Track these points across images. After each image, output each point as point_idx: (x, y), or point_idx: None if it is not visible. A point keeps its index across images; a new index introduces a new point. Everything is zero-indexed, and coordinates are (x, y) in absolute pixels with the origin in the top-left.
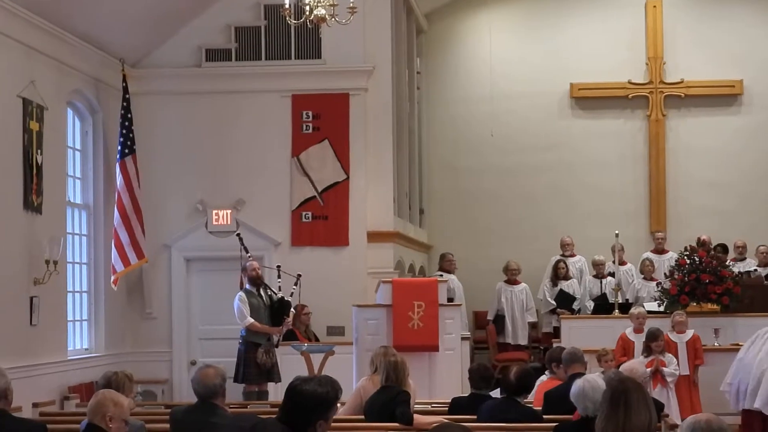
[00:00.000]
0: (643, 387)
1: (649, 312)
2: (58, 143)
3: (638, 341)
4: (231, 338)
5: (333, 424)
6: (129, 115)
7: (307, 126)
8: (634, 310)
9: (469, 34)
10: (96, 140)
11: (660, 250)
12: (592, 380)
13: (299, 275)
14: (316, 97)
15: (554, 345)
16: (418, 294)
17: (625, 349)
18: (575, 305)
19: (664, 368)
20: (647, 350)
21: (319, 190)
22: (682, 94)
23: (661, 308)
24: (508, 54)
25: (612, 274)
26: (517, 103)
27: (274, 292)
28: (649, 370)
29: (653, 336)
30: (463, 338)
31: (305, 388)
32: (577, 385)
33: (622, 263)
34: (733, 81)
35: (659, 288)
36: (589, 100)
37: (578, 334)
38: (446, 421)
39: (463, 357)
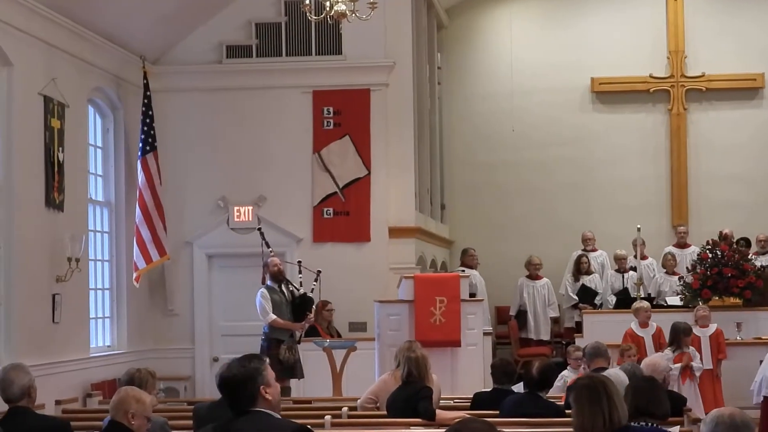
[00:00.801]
0: (611, 379)
1: (671, 306)
2: (80, 141)
3: (646, 336)
4: (253, 335)
5: (356, 420)
6: (150, 112)
7: (328, 122)
8: (637, 305)
9: (490, 30)
10: (117, 137)
11: (682, 245)
12: (615, 374)
13: (319, 271)
14: (337, 93)
15: (576, 340)
16: (440, 289)
17: (636, 345)
18: (597, 300)
19: (693, 363)
20: (677, 344)
21: (341, 186)
22: (704, 88)
23: (683, 302)
24: (528, 49)
25: (634, 269)
26: (538, 98)
27: (296, 288)
28: (678, 365)
29: (687, 331)
30: (485, 333)
31: (230, 373)
32: None
33: (643, 257)
34: (755, 74)
35: (681, 282)
36: (610, 94)
37: (600, 328)
38: (469, 416)
39: (486, 352)
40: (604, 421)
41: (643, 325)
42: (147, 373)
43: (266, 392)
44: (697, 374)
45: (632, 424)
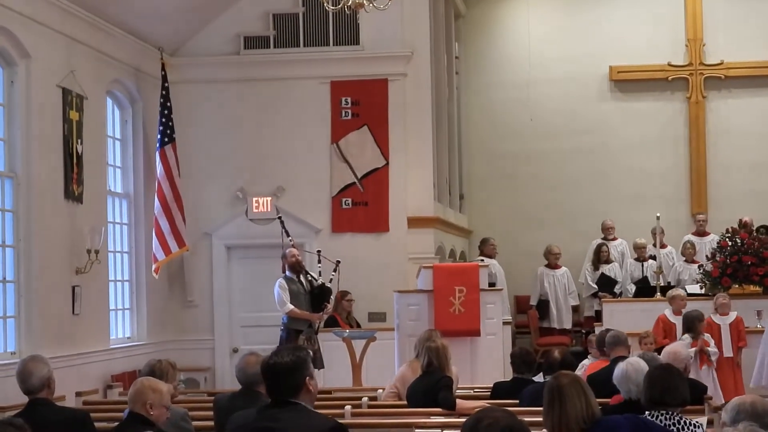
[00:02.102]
0: (579, 379)
1: (691, 294)
2: (98, 133)
3: (679, 323)
4: (273, 325)
5: (376, 410)
6: (168, 104)
7: (346, 112)
8: (674, 292)
9: (508, 18)
10: (136, 129)
11: (701, 233)
12: (635, 363)
13: (338, 262)
14: (355, 84)
15: (596, 329)
16: (460, 279)
17: (666, 331)
18: (617, 289)
19: (708, 348)
20: (694, 332)
21: (359, 176)
22: (722, 76)
23: (703, 290)
24: (546, 37)
25: (653, 257)
26: (556, 87)
27: (315, 278)
28: (694, 350)
29: (701, 317)
30: (504, 323)
31: (279, 360)
32: (620, 368)
33: (662, 246)
34: None
35: (701, 270)
36: (628, 82)
37: (620, 317)
38: (489, 405)
39: (505, 342)
40: (553, 425)
41: (677, 312)
42: (168, 364)
43: (310, 384)
44: (713, 358)
45: (648, 413)
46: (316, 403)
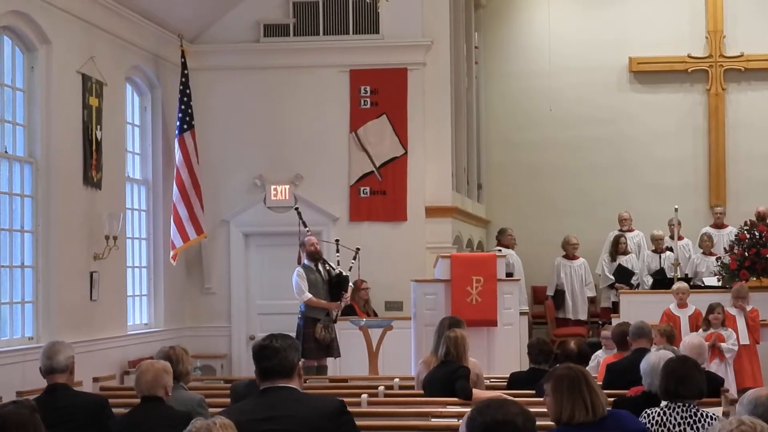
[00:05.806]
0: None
1: (709, 287)
2: (118, 119)
3: (683, 316)
4: (290, 313)
5: (393, 399)
6: (188, 91)
7: (365, 101)
8: (675, 286)
9: (528, 8)
10: (155, 116)
11: (719, 225)
12: (664, 355)
13: (358, 249)
14: (374, 72)
15: (613, 320)
16: (477, 269)
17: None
18: (634, 280)
19: (722, 344)
20: (706, 324)
21: (377, 165)
22: (742, 68)
23: (720, 283)
24: (566, 28)
25: (670, 249)
26: (576, 77)
27: (333, 267)
28: (707, 343)
29: (710, 309)
30: (521, 313)
31: (273, 343)
32: (649, 360)
33: (679, 238)
34: None
35: (719, 263)
36: (648, 74)
37: (637, 309)
38: (501, 396)
39: (522, 332)
40: (587, 410)
41: (681, 305)
42: (182, 350)
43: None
44: (728, 355)
45: (664, 404)
46: (333, 391)
